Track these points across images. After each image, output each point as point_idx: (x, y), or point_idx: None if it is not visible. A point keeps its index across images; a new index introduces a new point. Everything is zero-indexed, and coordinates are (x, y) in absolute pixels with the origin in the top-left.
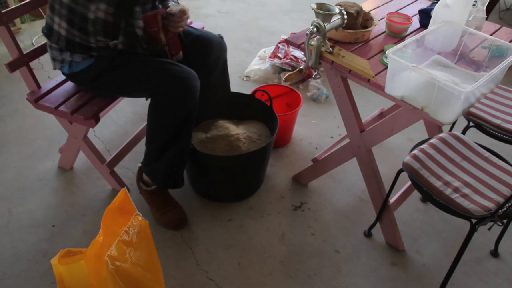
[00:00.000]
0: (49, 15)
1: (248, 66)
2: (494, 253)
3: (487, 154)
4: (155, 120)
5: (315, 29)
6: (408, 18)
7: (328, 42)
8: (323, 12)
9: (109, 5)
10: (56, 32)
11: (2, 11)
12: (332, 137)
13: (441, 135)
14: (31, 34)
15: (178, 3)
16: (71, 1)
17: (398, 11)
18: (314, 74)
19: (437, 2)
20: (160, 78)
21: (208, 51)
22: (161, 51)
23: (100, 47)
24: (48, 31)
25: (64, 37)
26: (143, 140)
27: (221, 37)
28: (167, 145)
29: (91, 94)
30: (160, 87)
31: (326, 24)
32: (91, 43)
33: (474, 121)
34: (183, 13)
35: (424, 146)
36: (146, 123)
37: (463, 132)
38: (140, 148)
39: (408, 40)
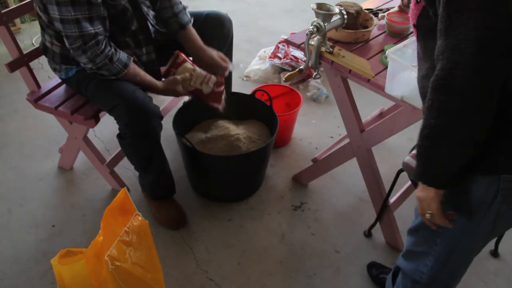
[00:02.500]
0: (42, 33)
1: (248, 66)
2: (494, 253)
3: None
4: (125, 153)
5: (315, 29)
6: (408, 18)
7: (328, 42)
8: (323, 12)
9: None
10: (51, 50)
11: (2, 11)
12: (332, 137)
13: None
14: (31, 34)
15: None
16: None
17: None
18: (314, 74)
19: None
20: (121, 111)
21: (221, 24)
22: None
23: None
24: (43, 48)
25: (58, 53)
26: None
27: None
28: (146, 168)
29: None
30: (121, 123)
31: (326, 24)
32: None
33: None
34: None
35: None
36: None
37: None
38: None
39: (408, 40)
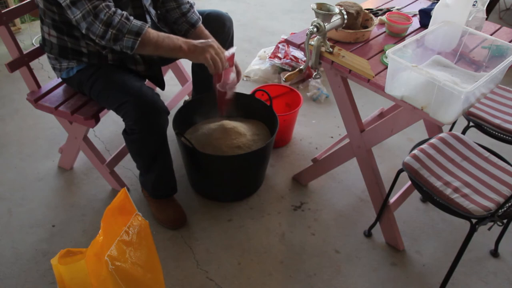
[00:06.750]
0: (41, 26)
1: (248, 66)
2: (494, 253)
3: (487, 154)
4: (130, 150)
5: (315, 29)
6: (408, 18)
7: (328, 42)
8: (323, 12)
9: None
10: (48, 41)
11: (2, 11)
12: (332, 137)
13: (441, 135)
14: (31, 34)
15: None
16: (50, 10)
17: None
18: (314, 74)
19: (437, 2)
20: (130, 108)
21: (222, 24)
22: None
23: (90, 52)
24: (42, 42)
25: (56, 44)
26: None
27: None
28: (150, 166)
29: None
30: (130, 119)
31: (326, 24)
32: (82, 47)
33: (474, 121)
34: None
35: (424, 146)
36: None
37: (463, 132)
38: None
39: (408, 40)
